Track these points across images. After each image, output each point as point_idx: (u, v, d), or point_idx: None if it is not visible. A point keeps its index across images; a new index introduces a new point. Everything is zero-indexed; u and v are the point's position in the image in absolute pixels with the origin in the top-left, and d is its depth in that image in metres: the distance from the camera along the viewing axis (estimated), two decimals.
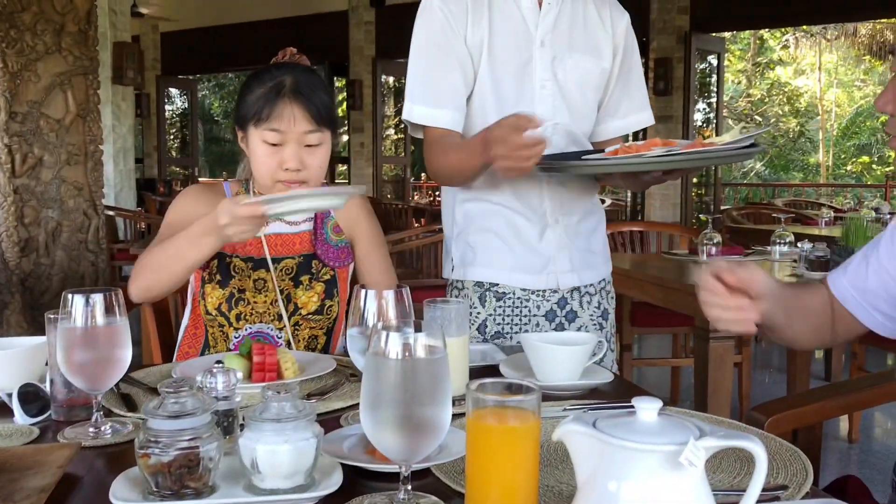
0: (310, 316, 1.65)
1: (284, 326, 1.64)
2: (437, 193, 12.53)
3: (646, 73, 8.80)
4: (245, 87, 1.63)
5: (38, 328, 3.82)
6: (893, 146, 1.18)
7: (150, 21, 11.27)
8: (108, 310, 1.10)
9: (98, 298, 1.08)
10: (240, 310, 1.63)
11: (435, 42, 1.67)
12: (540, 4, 1.69)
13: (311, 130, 1.57)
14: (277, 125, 1.56)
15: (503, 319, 1.72)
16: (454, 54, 1.67)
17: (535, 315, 1.72)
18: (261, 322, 1.64)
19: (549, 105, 1.69)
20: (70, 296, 1.08)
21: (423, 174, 15.97)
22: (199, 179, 11.69)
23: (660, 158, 1.44)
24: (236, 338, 1.63)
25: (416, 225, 8.60)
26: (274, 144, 1.57)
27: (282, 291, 1.64)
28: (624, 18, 1.79)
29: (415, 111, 1.68)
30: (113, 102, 7.52)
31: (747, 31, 17.40)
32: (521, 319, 1.72)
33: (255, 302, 1.64)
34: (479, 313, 1.72)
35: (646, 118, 1.83)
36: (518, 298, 1.71)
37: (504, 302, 1.72)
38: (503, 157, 1.42)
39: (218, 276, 1.63)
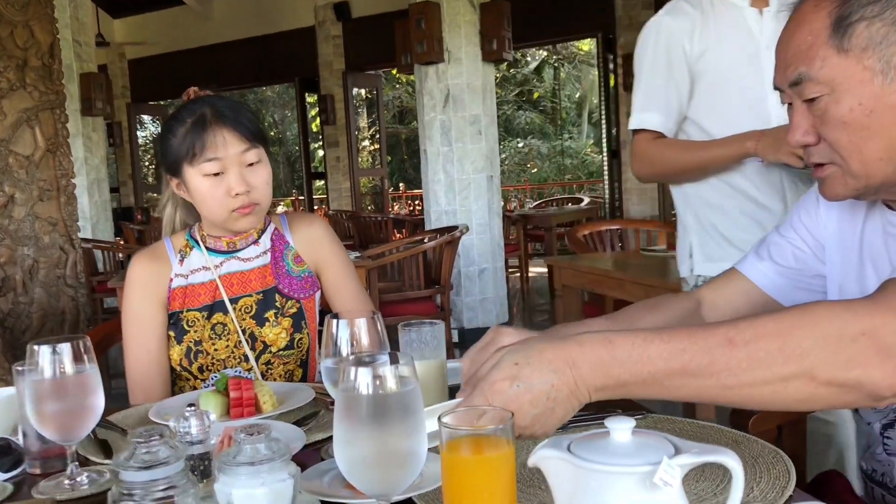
0: (281, 353, 1.62)
1: (252, 367, 1.60)
2: (416, 203, 12.49)
3: (615, 70, 8.95)
4: (165, 133, 1.61)
5: None
6: (821, 175, 1.07)
7: (116, 49, 11.19)
8: (77, 358, 1.07)
9: (65, 348, 1.06)
10: (200, 362, 1.60)
11: (653, 56, 1.93)
12: (761, 12, 1.89)
13: (246, 149, 1.57)
14: (212, 153, 1.55)
15: None
16: (670, 66, 1.90)
17: None
18: (225, 368, 1.60)
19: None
20: (35, 347, 1.06)
21: (401, 184, 15.88)
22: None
23: None
24: (205, 388, 1.60)
25: (398, 236, 8.58)
26: (216, 174, 1.56)
27: (244, 331, 1.61)
28: None
29: (633, 118, 1.96)
30: (83, 134, 7.45)
31: None
32: None
33: (214, 350, 1.61)
34: None
35: None
36: None
37: None
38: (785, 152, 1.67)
39: (171, 333, 1.61)
